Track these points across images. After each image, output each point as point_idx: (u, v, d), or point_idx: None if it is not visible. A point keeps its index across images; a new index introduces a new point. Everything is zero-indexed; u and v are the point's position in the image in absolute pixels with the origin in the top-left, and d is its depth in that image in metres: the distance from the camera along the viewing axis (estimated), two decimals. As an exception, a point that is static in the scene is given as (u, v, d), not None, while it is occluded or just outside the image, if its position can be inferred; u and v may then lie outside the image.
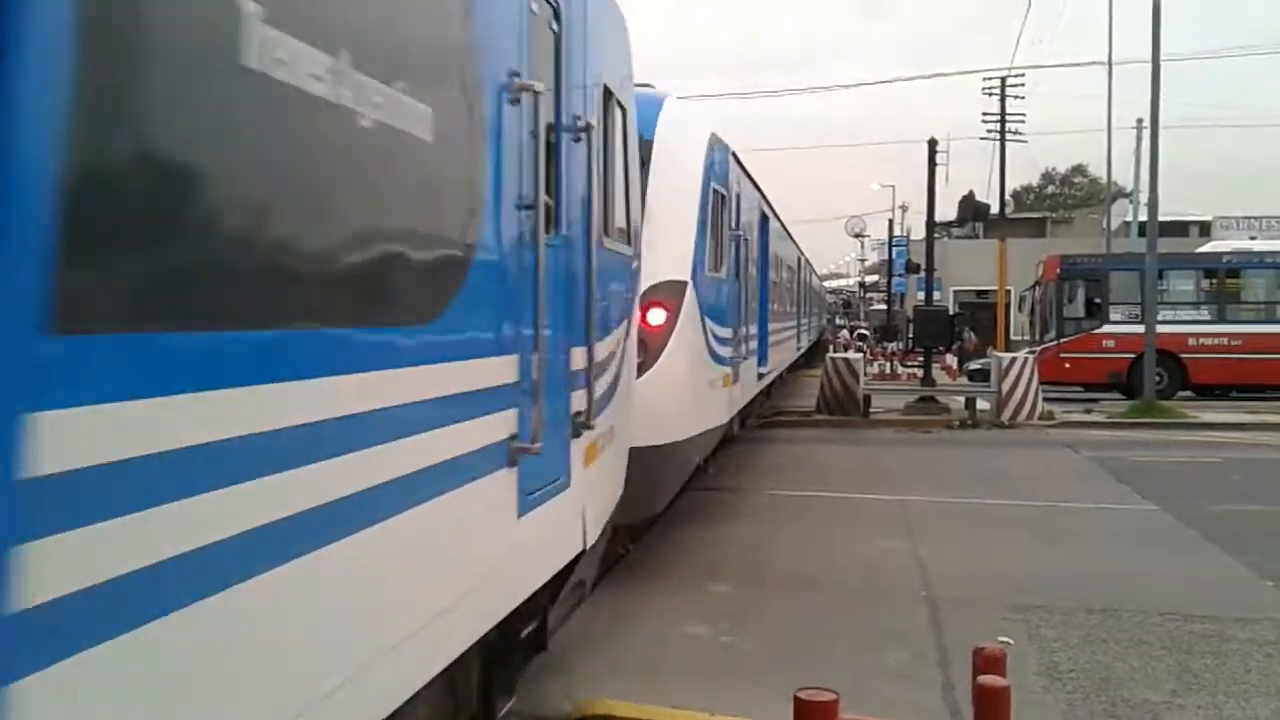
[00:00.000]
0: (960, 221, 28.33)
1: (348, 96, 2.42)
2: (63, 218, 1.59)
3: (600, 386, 4.86)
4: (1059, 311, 25.54)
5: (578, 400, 4.52)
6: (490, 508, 3.53)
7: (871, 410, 20.16)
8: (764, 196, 15.32)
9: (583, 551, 4.76)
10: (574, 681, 5.57)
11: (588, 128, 4.51)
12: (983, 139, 37.09)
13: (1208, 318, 24.96)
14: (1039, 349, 24.66)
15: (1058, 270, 25.76)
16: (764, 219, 15.21)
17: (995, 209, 30.40)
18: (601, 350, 4.90)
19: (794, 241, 24.19)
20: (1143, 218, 26.72)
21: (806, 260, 29.95)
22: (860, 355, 24.59)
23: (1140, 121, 36.88)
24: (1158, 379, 21.68)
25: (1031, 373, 19.29)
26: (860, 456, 15.25)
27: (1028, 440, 17.09)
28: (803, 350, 27.70)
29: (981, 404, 19.55)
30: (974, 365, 27.77)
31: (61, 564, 1.60)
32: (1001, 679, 3.61)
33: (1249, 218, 46.41)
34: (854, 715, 3.46)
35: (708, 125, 9.79)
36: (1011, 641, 6.15)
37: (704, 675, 5.80)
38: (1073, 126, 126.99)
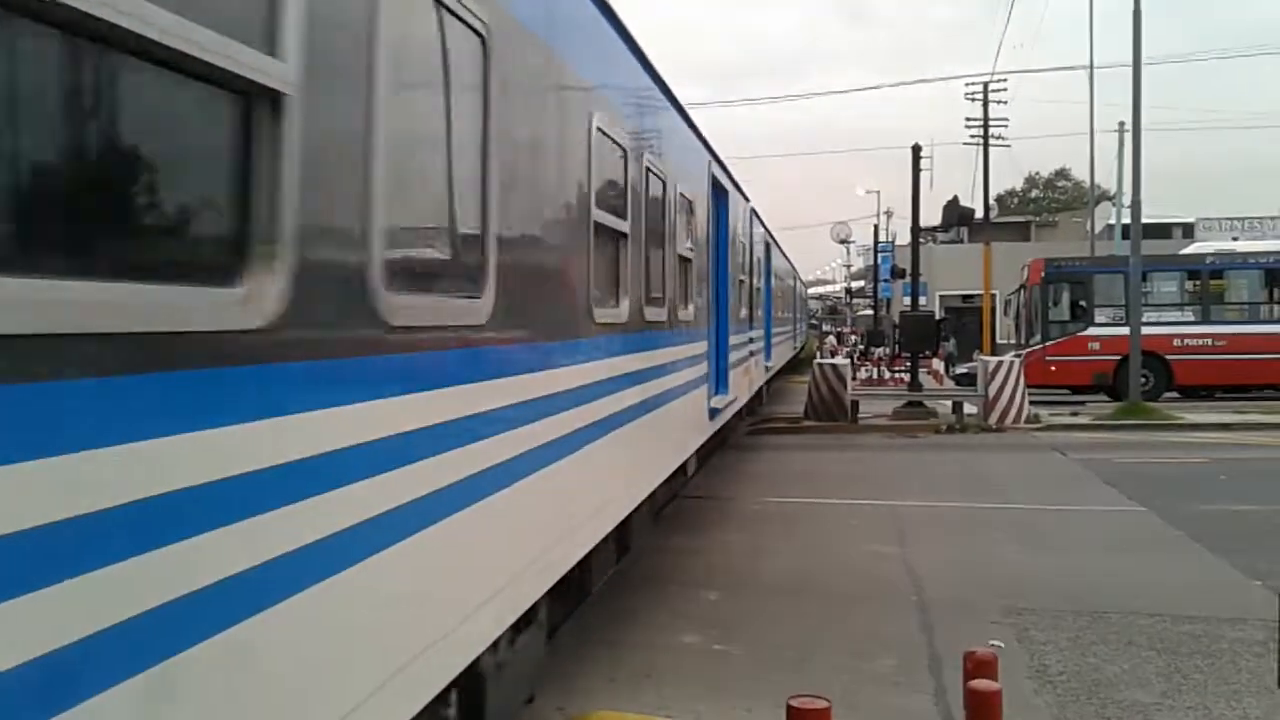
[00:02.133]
0: (945, 226, 28.45)
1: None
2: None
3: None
4: (1044, 315, 25.65)
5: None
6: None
7: (859, 416, 20.24)
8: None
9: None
10: (567, 691, 5.56)
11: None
12: (966, 144, 37.32)
13: (1192, 319, 25.10)
14: (1025, 352, 24.78)
15: (1042, 274, 25.87)
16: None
17: (979, 213, 30.47)
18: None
19: (730, 176, 12.14)
20: (1126, 220, 26.87)
21: (766, 229, 19.33)
22: (848, 361, 24.61)
23: (1122, 125, 37.18)
24: (1143, 380, 21.79)
25: (1018, 376, 19.38)
26: (849, 462, 15.29)
27: (1015, 444, 17.16)
28: (752, 392, 16.33)
29: (968, 408, 19.64)
30: (961, 369, 27.88)
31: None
32: (993, 682, 3.62)
33: (1231, 219, 46.81)
34: (847, 721, 3.46)
35: None
36: (1002, 645, 6.17)
37: (697, 683, 5.80)
38: (1056, 130, 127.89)
